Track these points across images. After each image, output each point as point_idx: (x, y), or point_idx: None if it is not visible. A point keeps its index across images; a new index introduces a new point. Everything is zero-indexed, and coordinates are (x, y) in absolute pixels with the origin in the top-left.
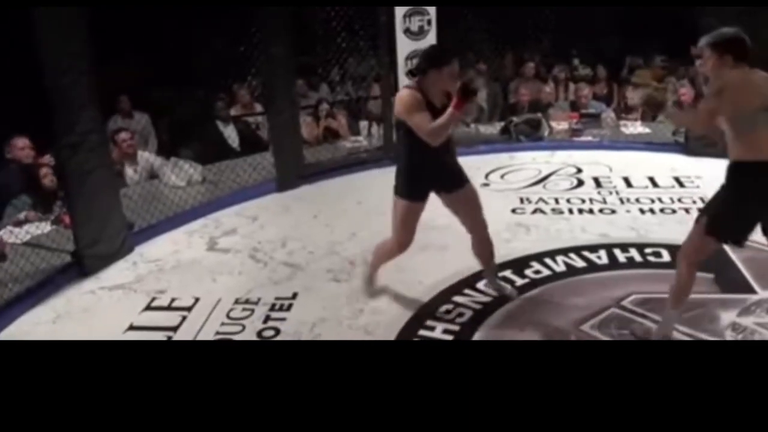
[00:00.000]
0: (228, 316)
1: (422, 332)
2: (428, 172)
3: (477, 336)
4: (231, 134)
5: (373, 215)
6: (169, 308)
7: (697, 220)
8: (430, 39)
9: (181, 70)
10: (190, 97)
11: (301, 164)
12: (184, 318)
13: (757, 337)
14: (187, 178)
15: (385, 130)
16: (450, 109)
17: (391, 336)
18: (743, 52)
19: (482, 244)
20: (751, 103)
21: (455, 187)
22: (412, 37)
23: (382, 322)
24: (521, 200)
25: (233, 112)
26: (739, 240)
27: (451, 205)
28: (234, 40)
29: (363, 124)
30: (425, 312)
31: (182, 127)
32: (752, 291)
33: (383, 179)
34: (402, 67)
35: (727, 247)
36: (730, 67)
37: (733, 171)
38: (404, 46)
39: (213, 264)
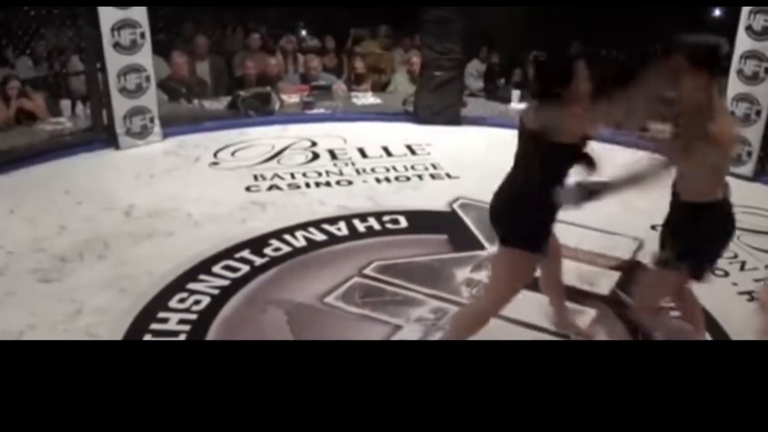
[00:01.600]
0: None
1: (154, 326)
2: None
3: (217, 322)
4: None
5: (85, 204)
6: None
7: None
8: (140, 8)
9: None
10: None
11: None
12: None
13: None
14: None
15: (92, 109)
16: None
17: (119, 335)
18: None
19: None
20: None
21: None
22: (118, 5)
23: (106, 321)
24: (255, 177)
25: None
26: None
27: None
28: None
29: (65, 103)
30: (156, 304)
31: None
32: (482, 248)
33: (93, 164)
34: (108, 38)
35: (457, 209)
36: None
37: None
38: (108, 14)
39: None
